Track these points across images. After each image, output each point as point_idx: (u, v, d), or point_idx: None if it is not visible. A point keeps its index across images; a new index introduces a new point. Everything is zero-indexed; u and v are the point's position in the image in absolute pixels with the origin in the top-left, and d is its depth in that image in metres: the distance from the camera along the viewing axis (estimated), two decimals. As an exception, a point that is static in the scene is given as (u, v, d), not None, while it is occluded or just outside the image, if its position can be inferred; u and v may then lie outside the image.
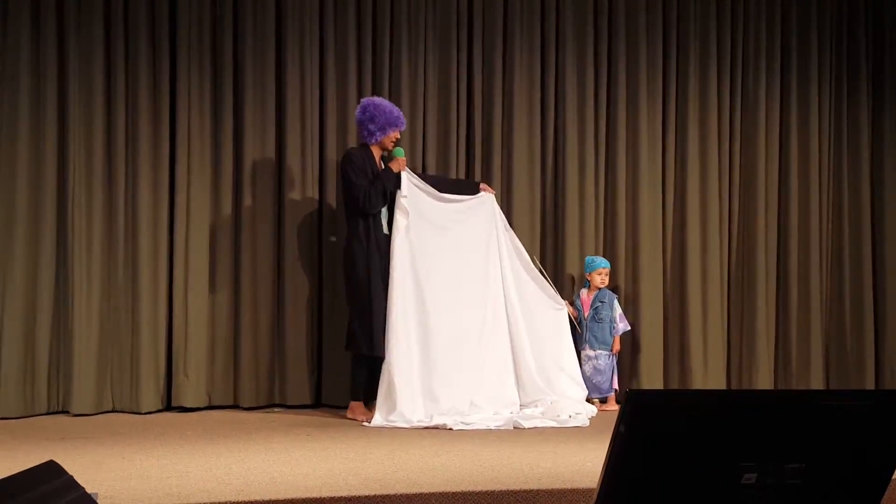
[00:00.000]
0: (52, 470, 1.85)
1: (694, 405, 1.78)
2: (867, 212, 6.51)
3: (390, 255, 5.33)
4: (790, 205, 6.46)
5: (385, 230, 5.42)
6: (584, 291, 5.99)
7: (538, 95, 6.23)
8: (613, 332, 5.88)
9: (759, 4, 6.49)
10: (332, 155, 5.92)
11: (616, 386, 5.90)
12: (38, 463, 1.86)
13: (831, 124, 6.57)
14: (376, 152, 5.53)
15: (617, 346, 5.91)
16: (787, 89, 6.51)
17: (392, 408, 5.17)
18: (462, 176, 6.08)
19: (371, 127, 5.45)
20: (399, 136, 5.55)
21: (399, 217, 5.37)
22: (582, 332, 5.85)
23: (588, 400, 5.68)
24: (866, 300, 6.46)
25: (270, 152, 5.90)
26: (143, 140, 5.69)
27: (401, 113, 5.55)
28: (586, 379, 5.75)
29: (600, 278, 5.93)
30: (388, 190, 5.39)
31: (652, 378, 6.17)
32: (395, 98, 5.96)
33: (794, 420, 1.80)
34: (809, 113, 6.50)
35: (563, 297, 5.79)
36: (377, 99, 5.57)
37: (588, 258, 6.02)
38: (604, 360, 5.84)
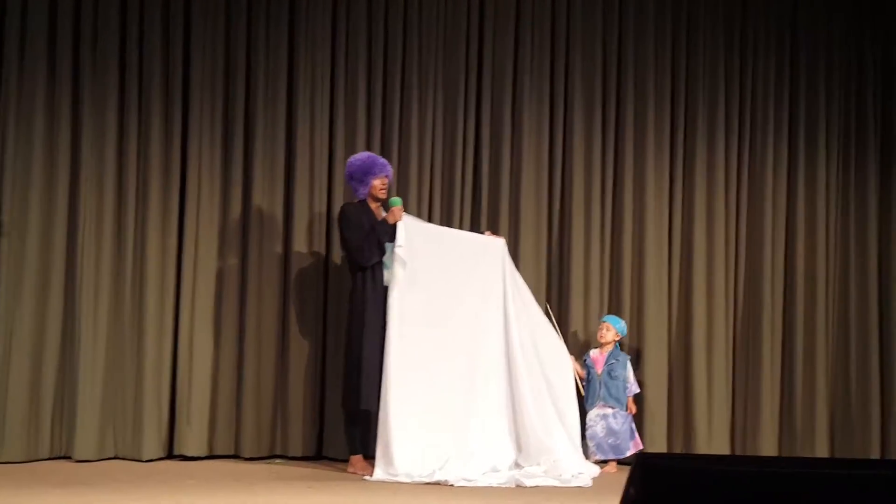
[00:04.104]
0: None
1: (704, 470, 1.76)
2: (874, 276, 6.44)
3: (387, 307, 5.30)
4: (796, 270, 6.38)
5: (386, 282, 5.38)
6: (594, 351, 5.94)
7: (546, 149, 6.24)
8: (626, 392, 5.82)
9: (767, 62, 6.46)
10: (340, 208, 5.93)
11: (640, 447, 5.78)
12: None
13: (839, 189, 6.50)
14: (372, 204, 5.54)
15: (633, 408, 5.85)
16: (795, 156, 6.47)
17: (391, 462, 5.10)
18: (468, 228, 6.07)
19: (353, 183, 5.52)
20: (386, 183, 5.54)
21: (396, 268, 5.31)
22: (585, 393, 5.78)
23: (598, 462, 5.61)
24: (872, 366, 6.37)
25: (279, 205, 5.95)
26: (152, 190, 5.75)
27: (378, 159, 5.54)
28: (599, 440, 5.67)
29: (600, 332, 5.91)
30: (383, 242, 5.38)
31: (655, 440, 6.08)
32: (403, 150, 6.05)
33: (806, 487, 1.78)
34: (817, 178, 6.45)
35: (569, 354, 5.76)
36: (358, 154, 5.64)
37: None
38: (620, 418, 5.76)
